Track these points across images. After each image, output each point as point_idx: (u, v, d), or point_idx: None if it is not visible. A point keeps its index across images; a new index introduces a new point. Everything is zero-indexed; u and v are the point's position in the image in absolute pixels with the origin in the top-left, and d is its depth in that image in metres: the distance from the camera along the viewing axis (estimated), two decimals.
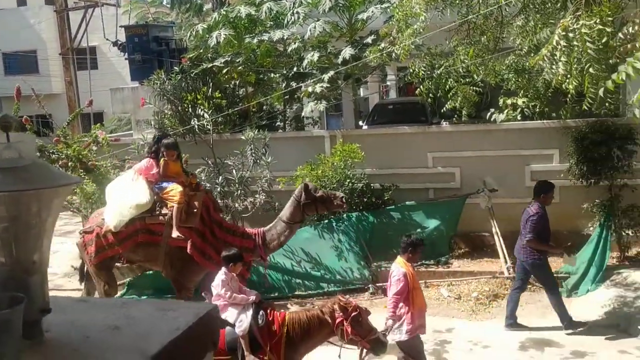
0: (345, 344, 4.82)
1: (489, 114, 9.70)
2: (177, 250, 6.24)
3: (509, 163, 9.18)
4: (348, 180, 8.81)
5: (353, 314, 4.68)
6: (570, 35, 4.27)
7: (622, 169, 8.15)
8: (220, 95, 10.08)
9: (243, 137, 9.05)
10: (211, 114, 9.59)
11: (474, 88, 8.55)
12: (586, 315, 7.17)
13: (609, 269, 8.05)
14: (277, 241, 6.52)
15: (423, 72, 7.84)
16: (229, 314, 4.82)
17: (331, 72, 9.41)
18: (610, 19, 4.18)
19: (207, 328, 1.08)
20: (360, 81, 11.93)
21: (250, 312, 4.80)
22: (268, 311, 4.89)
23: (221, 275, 5.00)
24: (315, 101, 9.91)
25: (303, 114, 10.26)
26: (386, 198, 9.01)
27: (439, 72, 7.70)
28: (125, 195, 6.22)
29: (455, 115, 9.64)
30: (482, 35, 7.26)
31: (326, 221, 8.68)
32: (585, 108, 5.53)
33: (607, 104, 5.23)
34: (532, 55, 5.63)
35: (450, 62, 7.66)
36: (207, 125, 9.57)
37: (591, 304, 7.49)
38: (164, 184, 6.34)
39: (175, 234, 6.12)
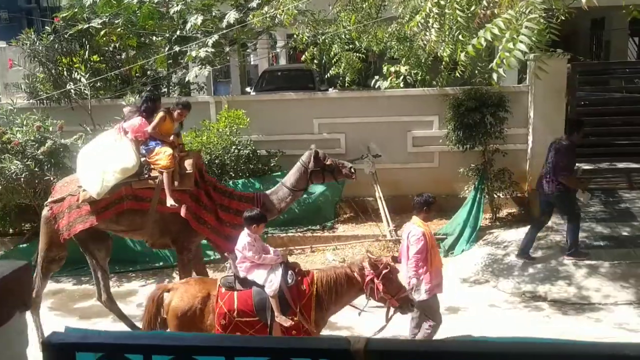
0: (367, 305, 4.72)
1: (373, 81, 9.89)
2: (170, 216, 5.80)
3: (392, 129, 9.42)
4: (234, 147, 8.70)
5: (384, 271, 4.55)
6: (442, 2, 4.40)
7: (494, 135, 8.62)
8: (98, 58, 9.57)
9: (124, 103, 8.66)
10: (89, 77, 9.08)
11: (358, 55, 8.66)
12: (461, 273, 7.61)
13: (482, 230, 8.58)
14: (277, 207, 6.11)
15: (307, 38, 7.83)
16: (257, 275, 4.66)
17: (215, 36, 9.17)
18: None
19: (14, 287, 1.02)
20: (247, 46, 11.73)
21: (279, 272, 4.63)
22: (296, 270, 4.73)
23: (245, 237, 4.77)
24: (200, 66, 9.65)
25: (187, 78, 9.95)
26: (272, 164, 9.00)
27: (322, 38, 7.71)
28: (108, 158, 5.66)
29: (338, 82, 9.75)
30: (364, 2, 7.33)
31: None
32: (458, 75, 5.75)
33: (477, 72, 5.50)
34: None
35: (333, 29, 7.69)
36: (85, 89, 9.07)
37: (466, 262, 7.94)
38: (152, 144, 5.85)
39: (170, 202, 5.64)
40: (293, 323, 4.50)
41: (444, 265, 7.70)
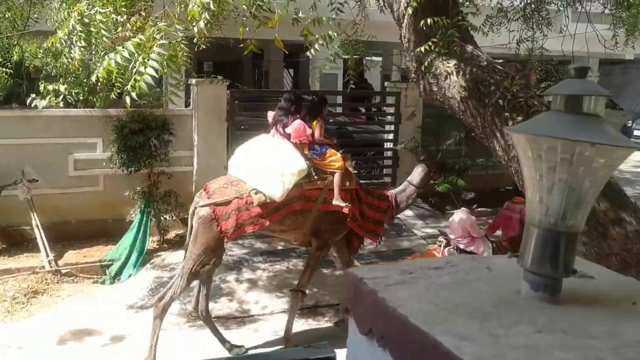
0: None
1: (29, 99, 9.06)
2: (327, 215, 6.12)
3: (51, 151, 8.74)
4: None
5: None
6: (87, 20, 4.22)
7: (160, 158, 8.65)
8: None
9: None
10: None
11: (6, 70, 7.83)
12: (128, 300, 7.39)
13: (150, 253, 8.48)
14: (405, 204, 6.75)
15: None
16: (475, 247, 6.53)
17: None
18: (124, 9, 4.28)
19: None
20: None
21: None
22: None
23: (470, 218, 6.81)
24: None
25: None
26: None
27: None
28: (281, 161, 5.83)
29: None
30: (8, 11, 6.66)
31: None
32: (114, 97, 5.60)
33: (136, 93, 5.38)
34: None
35: None
36: None
37: (133, 288, 7.74)
38: (323, 148, 6.19)
39: (337, 201, 5.99)
40: None
41: (110, 293, 7.47)
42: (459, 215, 7.22)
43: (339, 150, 6.44)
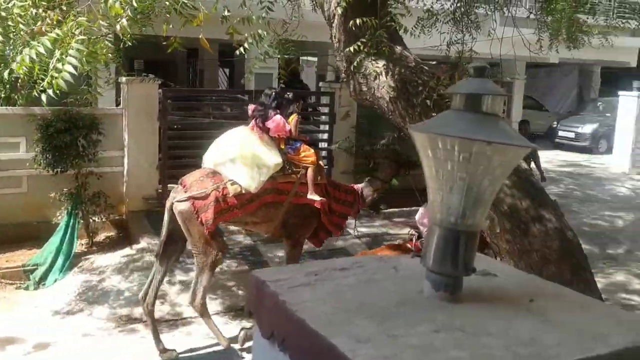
0: None
1: None
2: (297, 208, 6.25)
3: None
4: None
5: None
6: (3, 14, 4.02)
7: (88, 158, 8.37)
8: None
9: None
10: None
11: None
12: (53, 305, 7.11)
13: (78, 256, 8.18)
14: (370, 197, 6.84)
15: None
16: None
17: None
18: (44, 3, 4.11)
19: None
20: None
21: None
22: None
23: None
24: None
25: None
26: None
27: None
28: (259, 154, 6.02)
29: None
30: None
31: None
32: (36, 95, 5.37)
33: (53, 90, 5.17)
34: None
35: None
36: None
37: (59, 293, 7.45)
38: (297, 144, 6.34)
39: (314, 196, 6.15)
40: None
41: (34, 298, 7.17)
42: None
43: (311, 146, 6.63)
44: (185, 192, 5.88)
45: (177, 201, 5.86)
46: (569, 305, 1.09)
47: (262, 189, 6.06)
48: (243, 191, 5.93)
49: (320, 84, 12.52)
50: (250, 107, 6.57)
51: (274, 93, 6.53)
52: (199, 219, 5.82)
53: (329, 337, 0.91)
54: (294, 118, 6.52)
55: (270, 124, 6.23)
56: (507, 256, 4.33)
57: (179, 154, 10.05)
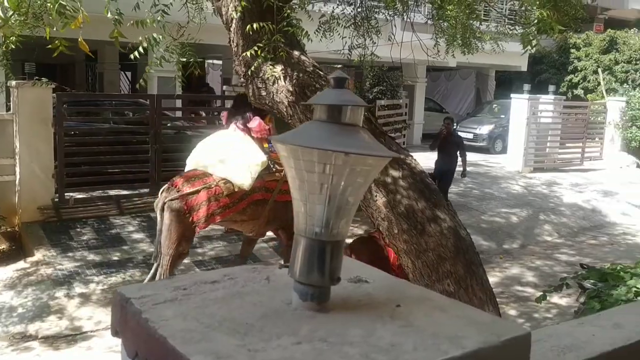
0: None
1: None
2: (281, 205, 6.28)
3: None
4: None
5: None
6: None
7: None
8: None
9: None
10: None
11: None
12: None
13: None
14: None
15: None
16: None
17: None
18: None
19: None
20: None
21: None
22: None
23: None
24: None
25: None
26: None
27: None
28: (247, 153, 6.19)
29: None
30: None
31: None
32: None
33: None
34: None
35: None
36: None
37: None
38: None
39: None
40: None
41: None
42: None
43: None
44: (178, 191, 6.03)
45: (170, 200, 5.98)
46: (430, 309, 1.12)
47: (251, 187, 6.29)
48: (236, 189, 6.13)
49: (224, 87, 12.39)
50: (224, 114, 6.85)
51: (243, 98, 6.44)
52: (191, 218, 5.97)
53: (187, 355, 0.89)
54: (268, 118, 6.63)
55: (252, 124, 6.48)
56: (405, 256, 4.45)
57: (77, 161, 9.65)
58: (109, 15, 3.69)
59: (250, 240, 7.33)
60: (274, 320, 1.01)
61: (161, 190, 6.21)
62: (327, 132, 1.03)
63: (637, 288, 4.10)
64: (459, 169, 11.43)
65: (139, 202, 9.97)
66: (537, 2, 5.40)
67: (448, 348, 0.96)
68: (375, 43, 7.82)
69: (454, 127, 12.26)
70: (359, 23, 8.03)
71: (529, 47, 5.41)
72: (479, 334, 1.02)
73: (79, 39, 3.55)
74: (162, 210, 5.99)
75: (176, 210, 5.96)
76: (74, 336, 6.69)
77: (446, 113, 22.67)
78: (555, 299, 7.67)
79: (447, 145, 11.45)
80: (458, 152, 11.45)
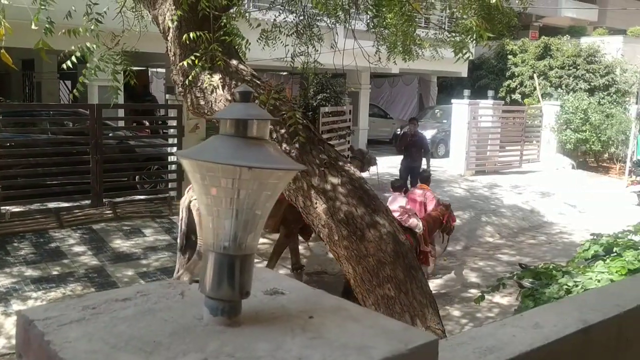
0: None
1: None
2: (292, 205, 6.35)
3: None
4: None
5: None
6: None
7: None
8: None
9: None
10: None
11: None
12: None
13: None
14: None
15: None
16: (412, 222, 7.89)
17: None
18: None
19: None
20: None
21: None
22: None
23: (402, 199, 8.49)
24: None
25: None
26: None
27: None
28: None
29: None
30: None
31: None
32: None
33: None
34: None
35: None
36: None
37: None
38: None
39: None
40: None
41: None
42: (397, 197, 8.61)
43: None
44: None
45: (195, 199, 6.40)
46: (343, 319, 1.13)
47: None
48: None
49: (167, 96, 12.22)
50: None
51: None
52: None
53: None
54: None
55: None
56: (345, 262, 4.48)
57: (13, 173, 9.36)
58: (33, 26, 3.58)
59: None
60: (182, 336, 1.01)
61: (187, 189, 6.76)
62: (233, 146, 1.03)
63: (568, 286, 4.25)
64: (423, 166, 12.08)
65: (79, 214, 9.72)
66: (469, 11, 5.55)
67: (356, 359, 0.97)
68: (318, 51, 7.87)
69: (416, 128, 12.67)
70: (302, 31, 8.07)
71: (461, 55, 5.54)
72: (387, 343, 1.03)
73: (1, 51, 3.44)
74: (188, 208, 6.52)
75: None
76: (11, 355, 6.46)
77: (390, 119, 23.00)
78: (497, 298, 7.87)
79: (413, 145, 12.23)
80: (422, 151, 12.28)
